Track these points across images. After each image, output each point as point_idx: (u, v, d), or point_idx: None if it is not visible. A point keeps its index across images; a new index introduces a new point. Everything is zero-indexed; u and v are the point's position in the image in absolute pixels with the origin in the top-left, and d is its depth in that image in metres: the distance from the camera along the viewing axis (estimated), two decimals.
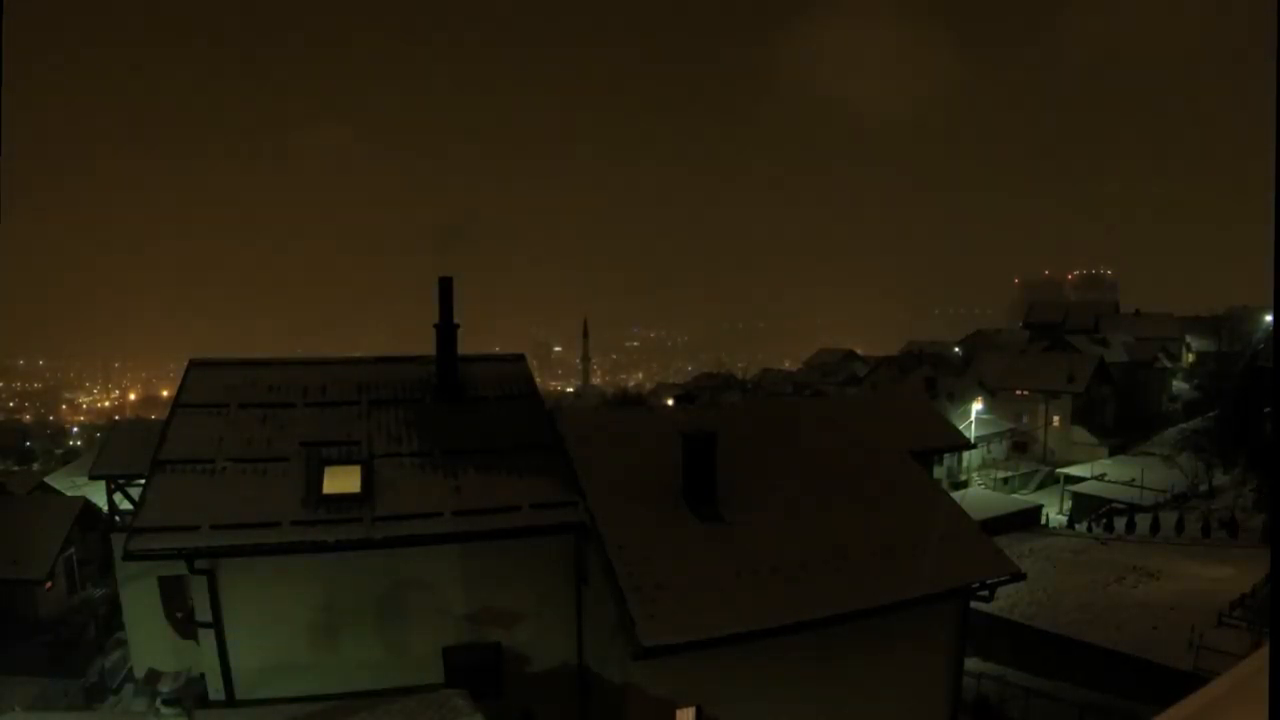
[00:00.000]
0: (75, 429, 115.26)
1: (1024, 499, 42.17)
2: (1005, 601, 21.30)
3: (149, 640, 18.86)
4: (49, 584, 24.40)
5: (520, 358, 17.31)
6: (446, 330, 15.41)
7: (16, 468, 61.27)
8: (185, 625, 17.46)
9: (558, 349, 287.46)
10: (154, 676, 18.30)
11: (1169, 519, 33.81)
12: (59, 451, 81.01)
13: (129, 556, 11.15)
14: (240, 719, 11.37)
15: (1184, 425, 50.64)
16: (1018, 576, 13.48)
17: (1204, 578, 24.92)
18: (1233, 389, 41.88)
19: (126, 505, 19.95)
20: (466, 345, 15.98)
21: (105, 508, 21.22)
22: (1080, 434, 51.84)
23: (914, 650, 13.34)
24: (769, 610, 11.41)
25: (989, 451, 48.93)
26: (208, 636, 11.82)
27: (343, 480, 12.59)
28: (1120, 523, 35.04)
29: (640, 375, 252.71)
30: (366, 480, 12.67)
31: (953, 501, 15.46)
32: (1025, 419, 53.61)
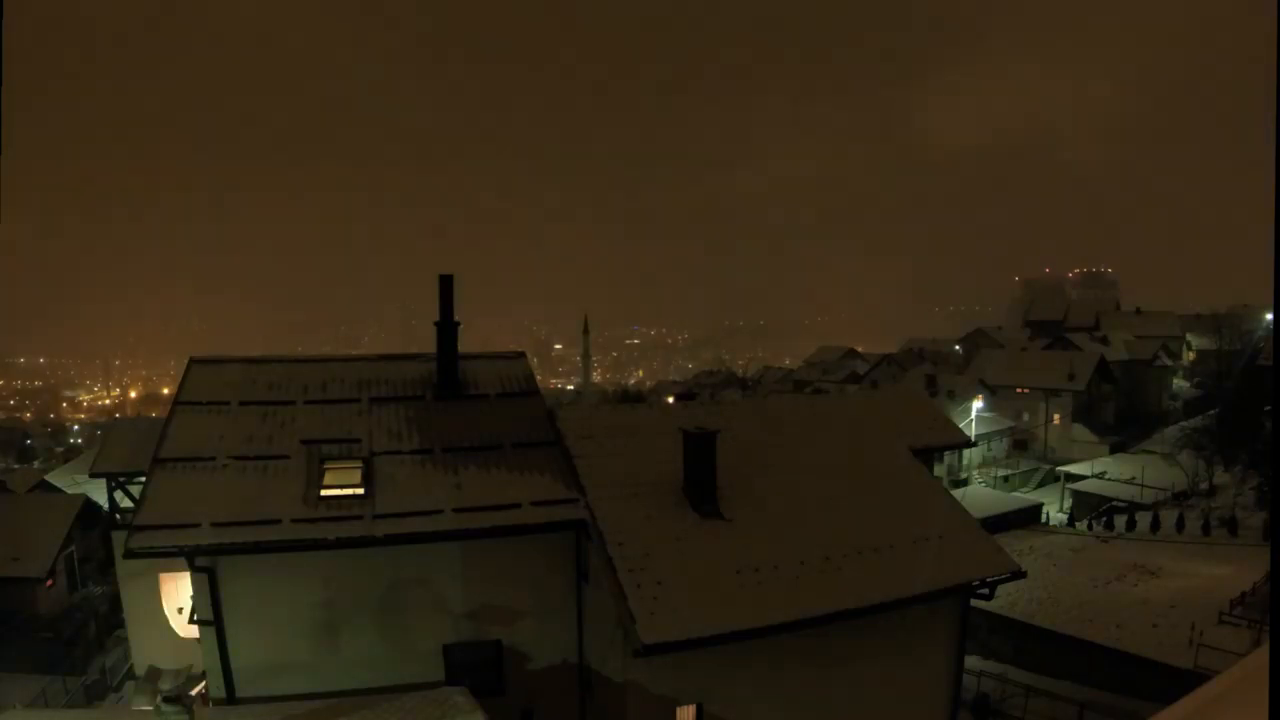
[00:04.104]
0: (76, 427, 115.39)
1: (1024, 497, 42.20)
2: (1005, 599, 21.33)
3: (149, 638, 18.90)
4: (50, 582, 24.39)
5: (520, 355, 17.34)
6: (447, 328, 15.41)
7: (17, 465, 61.49)
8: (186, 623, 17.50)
9: (558, 347, 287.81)
10: (155, 674, 18.35)
11: (1169, 517, 33.81)
12: (59, 449, 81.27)
13: (130, 554, 11.15)
14: (241, 717, 11.39)
15: (1184, 423, 50.69)
16: (1018, 574, 13.47)
17: (1204, 576, 24.92)
18: (1233, 387, 41.90)
19: (127, 503, 19.98)
20: (466, 343, 15.99)
21: (106, 505, 21.24)
22: (1081, 432, 51.83)
23: (914, 648, 13.36)
24: (769, 608, 11.41)
25: (989, 449, 48.93)
26: (208, 634, 11.84)
27: (343, 478, 12.61)
28: (1121, 521, 35.02)
29: (641, 373, 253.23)
30: (367, 478, 12.68)
31: (953, 499, 15.47)
32: (1026, 417, 53.59)
